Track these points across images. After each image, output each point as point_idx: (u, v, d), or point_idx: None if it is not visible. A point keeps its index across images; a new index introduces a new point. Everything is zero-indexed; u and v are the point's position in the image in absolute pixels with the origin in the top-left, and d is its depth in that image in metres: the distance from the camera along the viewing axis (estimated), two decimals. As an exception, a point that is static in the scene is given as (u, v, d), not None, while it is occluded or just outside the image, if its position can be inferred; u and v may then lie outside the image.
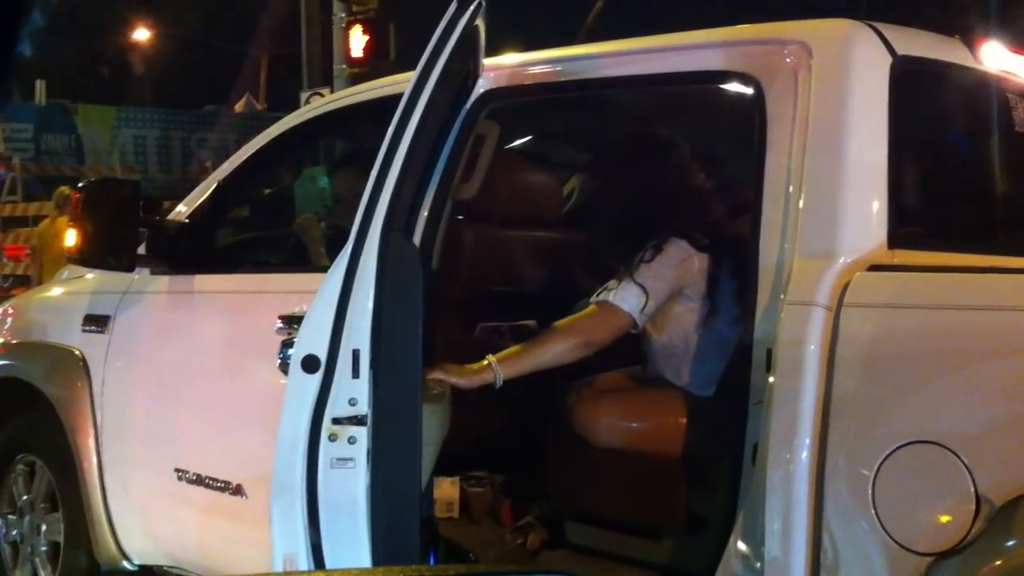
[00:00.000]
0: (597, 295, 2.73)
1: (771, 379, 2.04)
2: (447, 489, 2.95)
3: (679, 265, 2.69)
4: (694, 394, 2.72)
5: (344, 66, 9.22)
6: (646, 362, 2.91)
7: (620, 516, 2.71)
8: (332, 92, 7.91)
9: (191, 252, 3.31)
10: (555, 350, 2.66)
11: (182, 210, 3.44)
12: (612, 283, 2.71)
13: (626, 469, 2.71)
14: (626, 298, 2.64)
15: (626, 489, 2.71)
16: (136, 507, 3.28)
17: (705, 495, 2.50)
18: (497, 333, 3.30)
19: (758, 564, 2.03)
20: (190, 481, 3.06)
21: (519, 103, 2.92)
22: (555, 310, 3.30)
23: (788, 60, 2.30)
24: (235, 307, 3.14)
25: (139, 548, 3.31)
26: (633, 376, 3.01)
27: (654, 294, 2.65)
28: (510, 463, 3.17)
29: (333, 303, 2.28)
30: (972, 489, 1.80)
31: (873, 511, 1.89)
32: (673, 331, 2.76)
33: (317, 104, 3.54)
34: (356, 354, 2.25)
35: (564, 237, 3.53)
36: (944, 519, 1.83)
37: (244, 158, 3.43)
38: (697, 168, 2.92)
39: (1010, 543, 1.76)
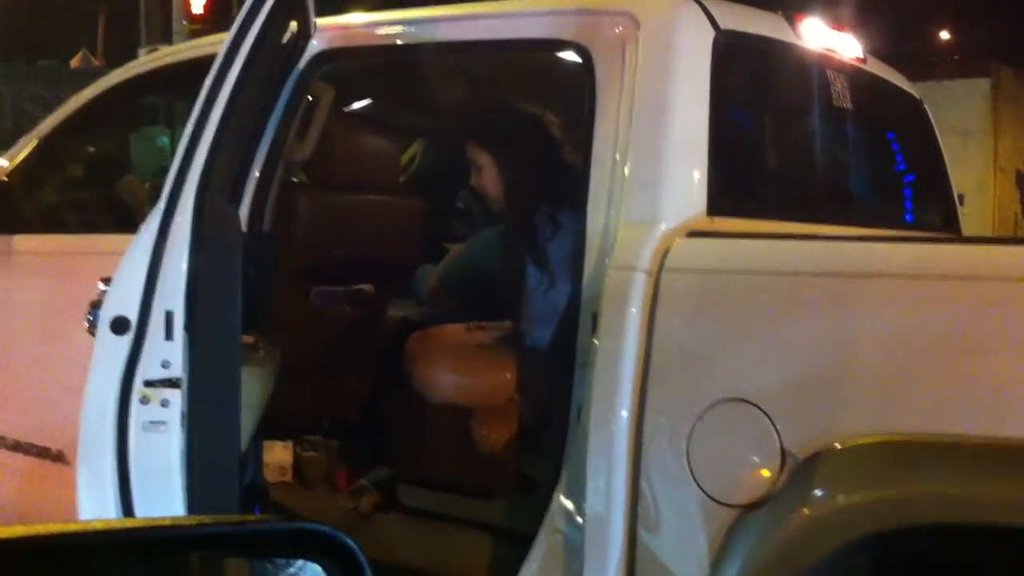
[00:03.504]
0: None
1: (595, 341, 2.09)
2: (280, 453, 2.93)
3: None
4: (527, 354, 2.76)
5: (185, 22, 8.94)
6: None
7: (452, 477, 2.74)
8: (171, 49, 7.64)
9: (9, 211, 3.18)
10: None
11: (2, 164, 3.29)
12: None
13: (458, 429, 2.73)
14: None
15: (457, 450, 2.74)
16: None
17: (534, 455, 2.55)
18: (333, 297, 3.27)
19: (580, 520, 2.09)
20: (9, 447, 2.95)
21: (354, 65, 2.89)
22: (392, 275, 3.30)
23: (617, 30, 2.33)
24: (56, 269, 3.03)
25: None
26: (471, 331, 3.05)
27: None
28: (346, 428, 3.16)
29: (144, 264, 2.22)
30: (778, 444, 1.88)
31: (688, 467, 1.96)
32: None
33: (146, 59, 3.43)
34: (169, 316, 2.20)
35: (403, 202, 3.52)
36: (752, 473, 1.90)
37: (68, 113, 3.29)
38: (565, 143, 2.95)
39: (812, 494, 1.84)
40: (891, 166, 3.18)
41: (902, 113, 3.23)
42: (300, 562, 1.18)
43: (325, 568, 1.14)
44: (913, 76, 3.30)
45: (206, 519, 1.44)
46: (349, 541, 1.13)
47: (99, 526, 1.35)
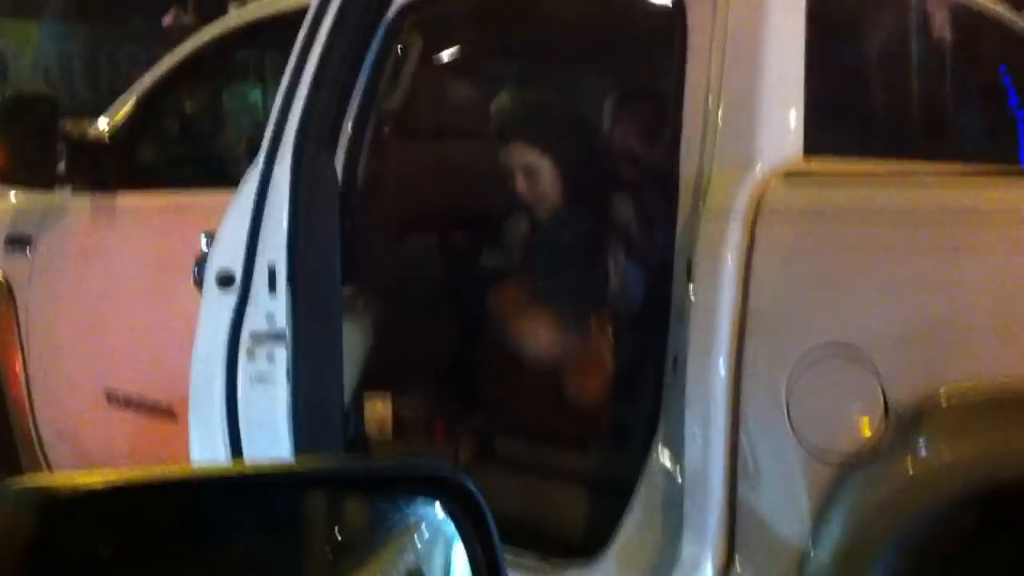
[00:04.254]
0: None
1: (690, 289, 2.06)
2: (379, 407, 2.96)
3: None
4: (622, 307, 2.74)
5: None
6: None
7: (547, 429, 2.75)
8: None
9: (112, 168, 3.25)
10: None
11: (103, 125, 3.37)
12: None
13: (552, 381, 2.74)
14: None
15: (553, 401, 2.74)
16: (66, 432, 3.26)
17: (631, 407, 2.54)
18: (429, 247, 3.29)
19: (679, 475, 2.07)
20: (120, 403, 3.04)
21: (441, 13, 2.87)
22: (485, 224, 3.30)
23: None
24: (159, 224, 3.10)
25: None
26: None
27: None
28: (442, 379, 3.19)
29: (246, 218, 2.25)
30: (882, 396, 1.82)
31: (788, 420, 1.91)
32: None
33: (237, 14, 3.46)
34: (272, 269, 2.23)
35: (494, 151, 3.51)
36: (855, 426, 1.85)
37: (164, 72, 3.35)
38: (625, 128, 2.87)
39: (917, 448, 1.79)
40: (1002, 100, 3.06)
41: (1009, 48, 3.10)
42: (421, 501, 1.19)
43: (447, 509, 1.15)
44: (1019, 9, 3.16)
45: (325, 460, 1.47)
46: (470, 483, 1.14)
47: (218, 470, 1.39)
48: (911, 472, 1.79)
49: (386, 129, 3.03)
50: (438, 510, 1.17)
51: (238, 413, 2.26)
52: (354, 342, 2.51)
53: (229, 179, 3.42)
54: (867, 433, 1.83)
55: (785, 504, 1.93)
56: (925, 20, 2.61)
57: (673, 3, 2.32)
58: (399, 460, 1.99)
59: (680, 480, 2.06)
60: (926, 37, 2.61)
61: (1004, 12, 3.07)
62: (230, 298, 2.26)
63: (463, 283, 3.12)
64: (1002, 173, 2.43)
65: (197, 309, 2.63)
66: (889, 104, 2.59)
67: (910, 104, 2.64)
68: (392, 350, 2.72)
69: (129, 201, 3.19)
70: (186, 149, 3.81)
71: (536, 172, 2.81)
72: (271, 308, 2.24)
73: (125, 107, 3.37)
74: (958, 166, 2.47)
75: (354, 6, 2.35)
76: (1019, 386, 1.74)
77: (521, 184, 2.85)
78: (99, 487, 0.94)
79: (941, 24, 2.66)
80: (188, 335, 2.74)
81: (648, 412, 2.17)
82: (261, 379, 2.24)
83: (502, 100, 3.86)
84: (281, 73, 2.37)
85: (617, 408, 2.60)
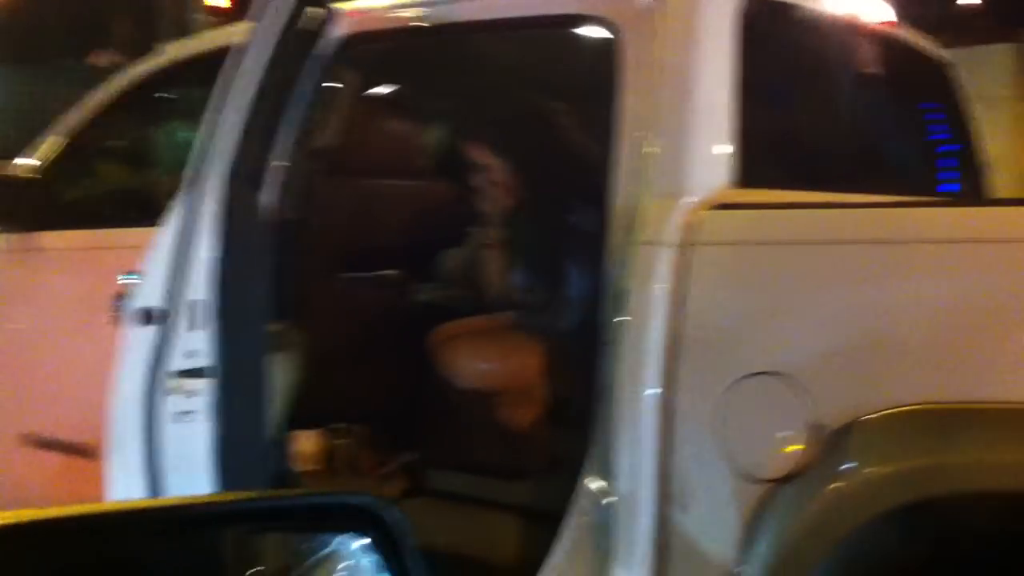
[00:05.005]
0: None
1: (621, 318, 2.07)
2: (307, 442, 2.92)
3: None
4: (553, 336, 2.74)
5: (202, 15, 8.96)
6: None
7: (480, 459, 2.73)
8: (193, 43, 7.65)
9: (36, 208, 3.19)
10: None
11: (27, 164, 3.31)
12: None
13: (485, 412, 2.72)
14: None
15: (485, 433, 2.73)
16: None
17: (563, 435, 2.53)
18: (361, 284, 3.26)
19: (610, 500, 2.07)
20: (40, 445, 2.96)
21: (377, 49, 2.86)
22: (419, 260, 3.29)
23: (642, 3, 2.30)
24: (84, 263, 3.04)
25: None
26: (497, 319, 3.02)
27: None
28: (374, 414, 3.15)
29: (170, 254, 2.22)
30: (809, 417, 1.84)
31: (718, 443, 1.93)
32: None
33: (166, 51, 3.42)
34: (194, 306, 2.19)
35: (428, 187, 3.50)
36: (783, 447, 1.87)
37: (93, 109, 3.30)
38: (578, 135, 2.91)
39: (843, 467, 1.81)
40: (921, 133, 3.13)
41: (932, 79, 3.18)
42: (339, 536, 1.16)
43: (372, 542, 1.12)
44: (941, 42, 3.25)
45: (247, 495, 1.44)
46: (394, 515, 1.12)
47: (138, 505, 1.35)
48: (838, 492, 1.81)
49: (318, 165, 3.00)
50: (362, 543, 1.14)
51: (158, 451, 2.21)
52: (284, 378, 2.47)
53: (155, 217, 3.39)
54: (795, 454, 1.85)
55: (715, 526, 1.94)
56: (852, 54, 2.66)
57: (608, 37, 2.34)
58: (323, 494, 1.95)
59: (611, 504, 2.05)
60: (853, 71, 2.67)
61: (929, 46, 3.15)
62: (151, 334, 2.21)
63: (394, 318, 3.09)
64: (924, 204, 2.49)
65: (117, 348, 2.58)
66: (817, 137, 2.64)
67: (837, 137, 2.69)
68: (323, 385, 2.68)
69: (52, 240, 3.13)
70: (111, 187, 3.74)
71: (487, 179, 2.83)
72: (192, 345, 2.20)
73: (50, 146, 3.31)
74: (883, 197, 2.52)
75: (285, 42, 2.33)
76: (941, 404, 1.77)
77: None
78: (8, 524, 0.90)
79: (867, 58, 2.71)
80: (109, 374, 2.68)
81: (579, 439, 2.16)
82: (182, 417, 2.19)
83: (438, 136, 3.87)
84: (206, 112, 2.35)
85: (549, 436, 2.59)
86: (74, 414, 2.93)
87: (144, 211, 3.46)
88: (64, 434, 2.89)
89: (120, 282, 2.53)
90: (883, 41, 2.82)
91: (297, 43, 2.47)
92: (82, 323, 2.98)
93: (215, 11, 9.04)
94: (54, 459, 2.92)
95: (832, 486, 1.81)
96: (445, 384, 2.79)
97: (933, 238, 1.93)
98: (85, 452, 2.84)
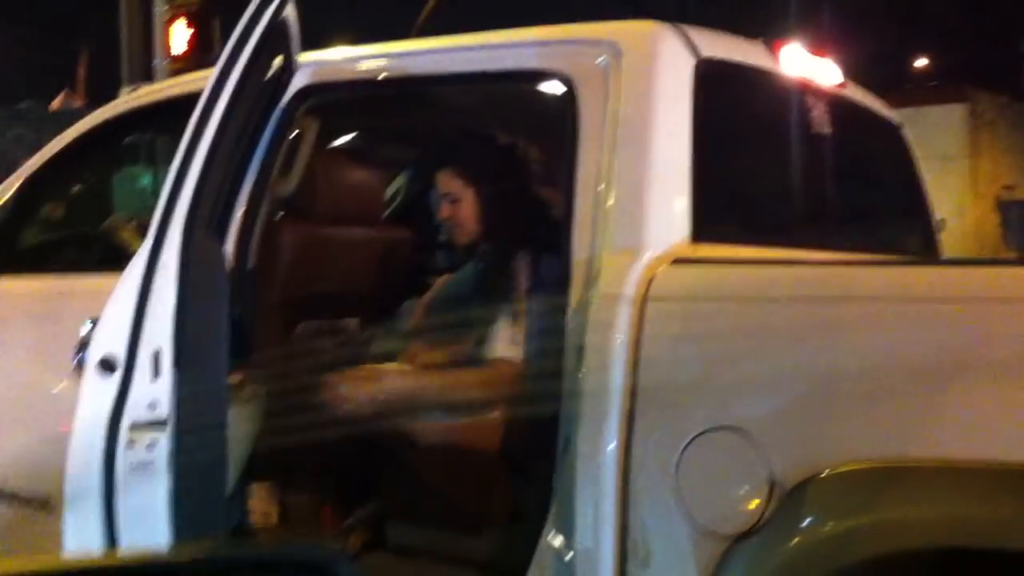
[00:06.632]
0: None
1: (581, 371, 2.08)
2: (263, 496, 2.89)
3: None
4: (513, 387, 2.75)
5: (165, 61, 8.94)
6: None
7: (440, 514, 2.72)
8: (154, 88, 7.63)
9: (-3, 252, 3.16)
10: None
11: (-18, 207, 3.28)
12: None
13: (445, 465, 2.72)
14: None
15: (445, 486, 2.72)
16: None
17: (523, 489, 2.53)
18: (319, 331, 3.26)
19: (570, 555, 2.07)
20: (-3, 495, 2.90)
21: (337, 99, 2.89)
22: (378, 309, 3.29)
23: (599, 60, 2.35)
24: (41, 310, 3.00)
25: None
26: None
27: None
28: (331, 467, 3.14)
29: (131, 302, 2.21)
30: (766, 472, 1.87)
31: (677, 497, 1.95)
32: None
33: (127, 98, 3.43)
34: (157, 355, 2.18)
35: (388, 236, 3.52)
36: (741, 502, 1.89)
37: (52, 154, 3.29)
38: (545, 176, 2.95)
39: (801, 522, 1.84)
40: (872, 191, 3.20)
41: (882, 138, 3.26)
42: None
43: None
44: (890, 102, 3.34)
45: (205, 547, 1.43)
46: (347, 567, 1.12)
47: (89, 561, 1.33)
48: (796, 545, 1.83)
49: (279, 213, 3.01)
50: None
51: (116, 503, 2.18)
52: (241, 429, 2.45)
53: (115, 264, 3.36)
54: (753, 510, 1.87)
55: None
56: (805, 112, 2.73)
57: (564, 92, 2.38)
58: (277, 545, 1.94)
59: (571, 559, 2.05)
60: (810, 130, 2.74)
61: (880, 106, 3.23)
62: (112, 384, 2.20)
63: (353, 367, 3.09)
64: (879, 262, 2.54)
65: (75, 398, 2.55)
66: (772, 193, 2.69)
67: (794, 193, 2.75)
68: (280, 437, 2.67)
69: (9, 286, 3.10)
70: (72, 233, 3.72)
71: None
72: (154, 395, 2.18)
73: (9, 190, 3.29)
74: (835, 253, 2.57)
75: (247, 92, 2.35)
76: (897, 460, 1.80)
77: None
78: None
79: (821, 117, 2.78)
80: (65, 426, 2.65)
81: (540, 493, 2.17)
82: (141, 468, 2.17)
83: (399, 185, 3.89)
84: (171, 157, 2.35)
85: (509, 490, 2.59)
86: (30, 464, 2.88)
87: (105, 258, 3.45)
88: (19, 484, 2.84)
89: (83, 331, 2.52)
90: (834, 101, 2.89)
91: (259, 92, 2.49)
92: (41, 370, 2.95)
93: (179, 58, 9.04)
94: (7, 511, 2.86)
95: (790, 542, 1.83)
96: (403, 438, 2.78)
97: (884, 296, 1.97)
98: (39, 504, 2.80)
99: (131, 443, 2.18)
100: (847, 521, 1.82)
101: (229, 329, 2.31)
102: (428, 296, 3.14)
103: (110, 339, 2.22)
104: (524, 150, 2.97)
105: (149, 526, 2.18)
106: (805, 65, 2.80)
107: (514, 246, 2.83)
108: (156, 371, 2.18)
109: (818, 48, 2.90)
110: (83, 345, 2.34)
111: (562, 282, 2.27)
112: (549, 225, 2.79)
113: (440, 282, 3.21)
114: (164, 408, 2.18)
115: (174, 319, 2.19)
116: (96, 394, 2.21)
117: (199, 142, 2.26)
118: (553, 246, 2.69)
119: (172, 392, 2.18)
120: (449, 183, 2.95)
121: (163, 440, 2.17)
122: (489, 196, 2.91)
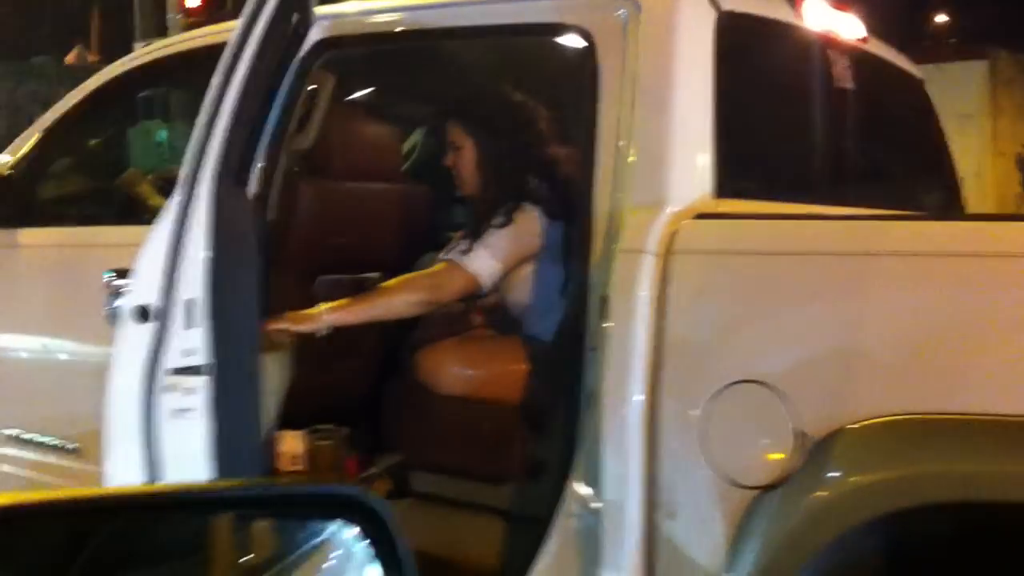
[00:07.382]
0: (446, 252, 2.73)
1: (604, 325, 2.09)
2: (292, 443, 2.91)
3: (530, 234, 2.73)
4: (534, 342, 2.75)
5: (179, 16, 8.91)
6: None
7: (463, 463, 2.74)
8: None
9: (13, 205, 3.18)
10: (393, 303, 2.67)
11: (3, 162, 3.29)
12: (463, 243, 2.71)
13: (468, 416, 2.73)
14: (475, 260, 2.67)
15: (468, 436, 2.74)
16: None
17: (545, 441, 2.54)
18: (338, 286, 3.26)
19: (596, 506, 2.08)
20: (23, 443, 2.94)
21: (354, 53, 2.88)
22: (397, 263, 3.29)
23: (619, 14, 2.33)
24: (60, 261, 3.02)
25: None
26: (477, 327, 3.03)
27: (504, 260, 2.68)
28: (358, 416, 3.16)
29: (165, 253, 2.22)
30: (791, 425, 1.88)
31: (703, 450, 1.96)
32: (520, 289, 2.79)
33: (142, 52, 3.42)
34: (190, 304, 2.20)
35: (405, 190, 3.51)
36: (767, 455, 1.90)
37: (69, 108, 3.29)
38: (554, 135, 2.93)
39: (826, 475, 1.84)
40: (895, 147, 3.18)
41: (905, 93, 3.23)
42: (329, 526, 1.18)
43: (361, 532, 1.14)
44: (910, 59, 3.30)
45: (239, 482, 1.45)
46: (382, 506, 1.13)
47: (132, 490, 1.35)
48: (820, 500, 1.84)
49: (297, 166, 3.01)
50: (351, 533, 1.16)
51: (156, 447, 2.21)
52: (273, 375, 2.48)
53: (132, 217, 3.38)
54: (778, 462, 1.87)
55: (701, 532, 1.96)
56: (831, 68, 2.70)
57: (583, 46, 2.36)
58: (314, 484, 1.97)
59: (598, 510, 2.07)
60: (832, 84, 2.71)
61: (903, 61, 3.20)
62: (148, 332, 2.22)
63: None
64: (902, 217, 2.53)
65: (100, 344, 2.57)
66: (794, 149, 2.67)
67: (817, 149, 2.73)
68: (307, 386, 2.69)
69: (30, 237, 3.12)
70: (88, 186, 3.73)
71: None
72: (189, 343, 2.20)
73: (27, 144, 3.30)
74: (856, 208, 2.56)
75: (270, 44, 2.34)
76: (922, 414, 1.80)
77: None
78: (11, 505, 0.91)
79: (844, 72, 2.76)
80: (88, 372, 2.67)
81: (564, 445, 2.18)
82: (180, 414, 2.20)
83: (416, 140, 3.88)
84: (185, 111, 2.35)
85: (534, 441, 2.60)
86: (56, 413, 2.92)
87: (121, 211, 3.46)
88: (49, 432, 2.88)
89: (104, 280, 2.53)
90: (857, 56, 2.86)
91: (277, 45, 2.48)
92: (60, 320, 2.97)
93: (192, 12, 9.00)
94: (40, 456, 2.90)
95: (815, 495, 1.84)
96: (424, 387, 2.80)
97: (910, 251, 1.97)
98: (68, 451, 2.83)
99: (169, 388, 2.21)
100: (872, 475, 1.83)
101: (259, 278, 2.32)
102: (445, 251, 3.13)
103: (145, 289, 2.24)
104: (534, 109, 2.94)
105: (190, 470, 2.21)
106: (827, 19, 2.76)
107: (506, 200, 2.80)
108: (191, 319, 2.20)
109: (839, 2, 2.87)
110: (115, 294, 2.36)
111: (584, 237, 2.26)
112: (554, 184, 2.79)
113: (458, 237, 3.20)
114: (200, 355, 2.20)
115: (206, 268, 2.20)
116: (133, 342, 2.23)
117: (227, 93, 2.26)
118: (557, 204, 2.70)
119: (206, 340, 2.20)
120: (454, 133, 2.95)
121: (199, 387, 2.19)
122: (489, 149, 2.89)
